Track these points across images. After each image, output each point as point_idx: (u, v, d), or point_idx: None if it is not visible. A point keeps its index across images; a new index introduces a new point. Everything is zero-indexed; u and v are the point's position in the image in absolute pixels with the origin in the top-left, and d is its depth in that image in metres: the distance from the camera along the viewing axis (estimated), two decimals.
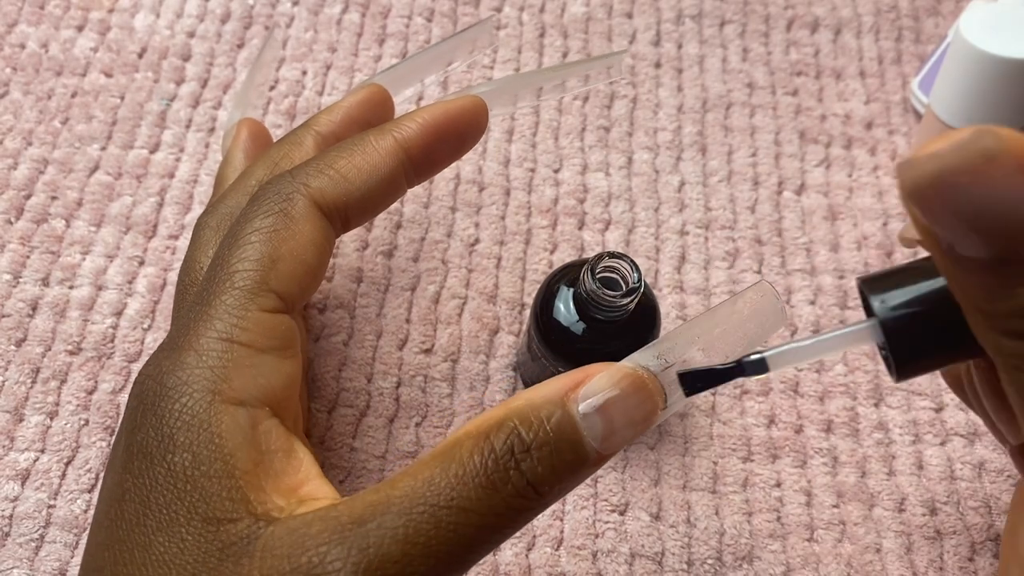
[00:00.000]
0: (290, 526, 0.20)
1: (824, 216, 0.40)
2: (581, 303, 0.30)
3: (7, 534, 0.31)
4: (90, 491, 0.32)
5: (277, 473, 0.22)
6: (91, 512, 0.31)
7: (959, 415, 0.35)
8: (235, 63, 0.42)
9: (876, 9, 0.46)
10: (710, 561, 0.32)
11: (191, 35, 0.43)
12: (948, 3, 0.47)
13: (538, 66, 0.44)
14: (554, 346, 0.31)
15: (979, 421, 0.35)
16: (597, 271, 0.28)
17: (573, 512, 0.32)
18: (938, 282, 0.18)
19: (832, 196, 0.41)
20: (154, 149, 0.40)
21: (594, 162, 0.41)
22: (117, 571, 0.20)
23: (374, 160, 0.26)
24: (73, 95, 0.41)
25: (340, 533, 0.19)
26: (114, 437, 0.30)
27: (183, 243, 0.37)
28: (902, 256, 0.39)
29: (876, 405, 0.35)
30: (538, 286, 0.34)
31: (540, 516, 0.30)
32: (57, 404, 0.33)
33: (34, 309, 0.35)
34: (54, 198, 0.38)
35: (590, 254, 0.38)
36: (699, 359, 0.21)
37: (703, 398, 0.35)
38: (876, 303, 0.18)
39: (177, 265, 0.37)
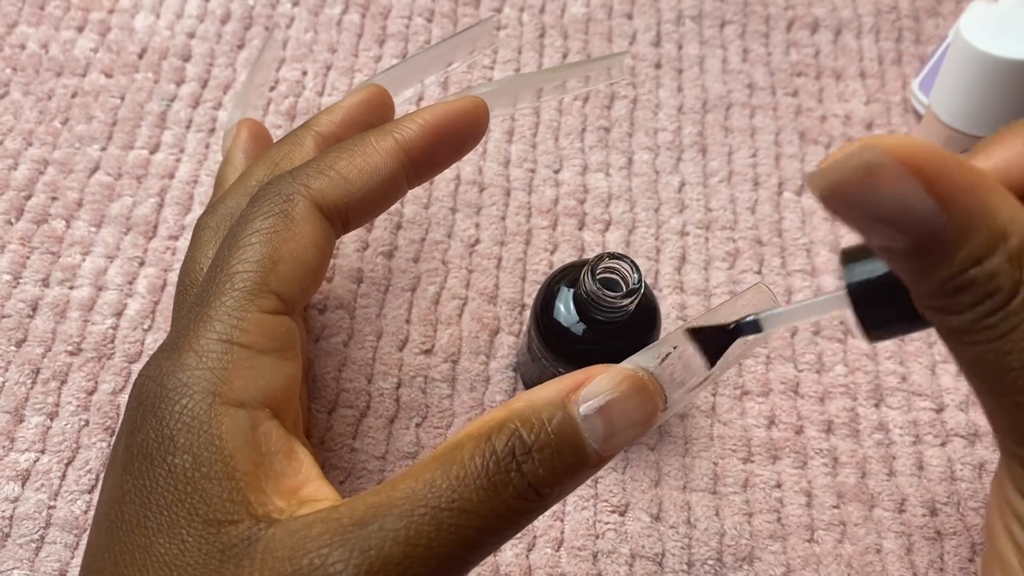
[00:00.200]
0: (291, 528, 0.20)
1: (824, 217, 0.40)
2: (581, 304, 0.30)
3: (7, 535, 0.31)
4: (90, 492, 0.32)
5: (277, 474, 0.22)
6: (91, 513, 0.31)
7: (959, 416, 0.35)
8: (235, 64, 0.42)
9: (876, 10, 0.46)
10: (710, 562, 0.32)
11: (191, 36, 0.43)
12: (948, 4, 0.47)
13: (538, 67, 0.44)
14: (554, 347, 0.31)
15: (979, 422, 0.35)
16: (597, 272, 0.28)
17: (573, 513, 0.32)
18: None
19: None
20: (154, 150, 0.40)
21: (594, 163, 0.41)
22: (117, 572, 0.20)
23: (375, 161, 0.26)
24: (73, 95, 0.41)
25: (341, 535, 0.19)
26: (114, 438, 0.30)
27: (183, 244, 0.37)
28: None
29: (876, 406, 0.35)
30: (538, 287, 0.34)
31: (540, 517, 0.30)
32: (57, 405, 0.33)
33: (34, 310, 0.35)
34: (54, 199, 0.38)
35: (590, 255, 0.38)
36: (699, 359, 0.21)
37: (703, 399, 0.35)
38: (847, 272, 0.19)
39: (177, 266, 0.36)
